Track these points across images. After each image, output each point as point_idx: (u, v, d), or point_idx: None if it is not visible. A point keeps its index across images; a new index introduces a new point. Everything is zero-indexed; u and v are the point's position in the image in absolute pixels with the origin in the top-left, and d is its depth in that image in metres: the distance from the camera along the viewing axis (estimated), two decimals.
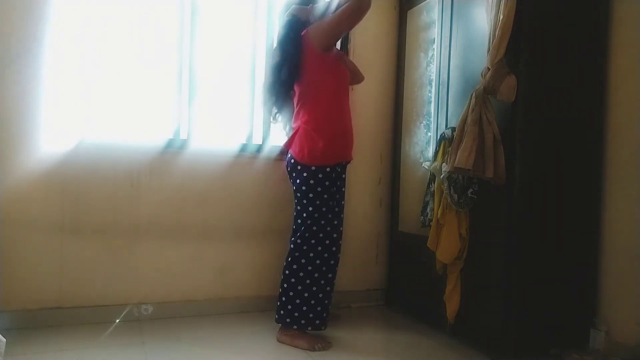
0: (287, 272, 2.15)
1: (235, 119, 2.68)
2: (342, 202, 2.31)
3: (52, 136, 2.24)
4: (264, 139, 2.69)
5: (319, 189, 2.11)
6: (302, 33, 2.13)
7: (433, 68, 2.46)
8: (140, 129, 2.47)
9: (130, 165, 2.38)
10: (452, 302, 2.19)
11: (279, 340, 2.15)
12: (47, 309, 2.23)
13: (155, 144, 2.44)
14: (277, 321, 2.15)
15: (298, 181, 2.14)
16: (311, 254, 2.12)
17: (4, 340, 1.62)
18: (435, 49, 2.44)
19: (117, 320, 2.33)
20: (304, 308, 2.11)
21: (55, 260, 2.25)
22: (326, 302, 2.17)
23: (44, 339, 2.08)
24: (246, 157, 2.62)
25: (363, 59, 2.86)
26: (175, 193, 2.47)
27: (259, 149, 2.66)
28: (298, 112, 2.19)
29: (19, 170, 2.18)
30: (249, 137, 2.68)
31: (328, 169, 2.12)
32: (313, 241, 2.13)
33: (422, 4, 2.61)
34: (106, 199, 2.33)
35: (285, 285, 2.14)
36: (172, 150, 2.47)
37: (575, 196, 2.09)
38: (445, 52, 2.36)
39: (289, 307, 2.12)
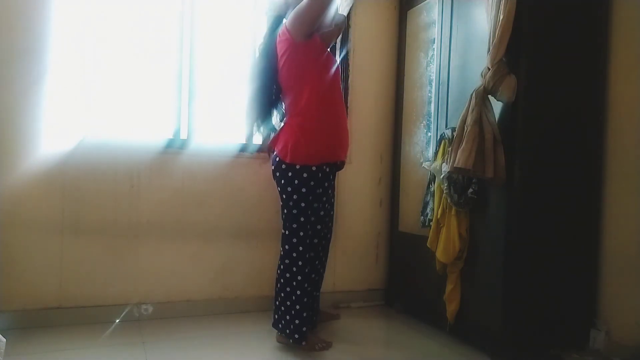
0: (282, 280, 2.08)
1: (235, 119, 2.68)
2: (331, 210, 2.25)
3: (52, 136, 2.24)
4: (264, 139, 2.68)
5: (304, 190, 2.01)
6: (280, 28, 2.05)
7: (433, 68, 2.46)
8: (140, 129, 2.48)
9: (130, 165, 2.38)
10: (452, 302, 2.19)
11: (278, 341, 2.14)
12: (47, 309, 2.23)
13: (155, 143, 2.45)
14: (273, 325, 2.13)
15: (282, 181, 2.04)
16: (300, 262, 2.05)
17: (4, 340, 1.62)
18: (435, 49, 2.44)
19: (117, 320, 2.33)
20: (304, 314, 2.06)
21: (55, 260, 2.25)
22: (304, 309, 2.05)
23: (44, 339, 2.08)
24: (246, 157, 2.62)
25: (363, 59, 2.87)
26: (175, 193, 2.47)
27: (259, 149, 2.66)
28: (285, 109, 2.13)
29: (19, 170, 2.18)
30: (249, 137, 2.67)
31: (314, 168, 2.01)
32: (301, 248, 2.05)
33: (422, 4, 2.61)
34: (106, 199, 2.33)
35: (282, 295, 2.07)
36: (172, 150, 2.47)
37: (575, 196, 2.09)
38: (445, 52, 2.36)
39: (288, 317, 2.06)
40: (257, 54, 2.17)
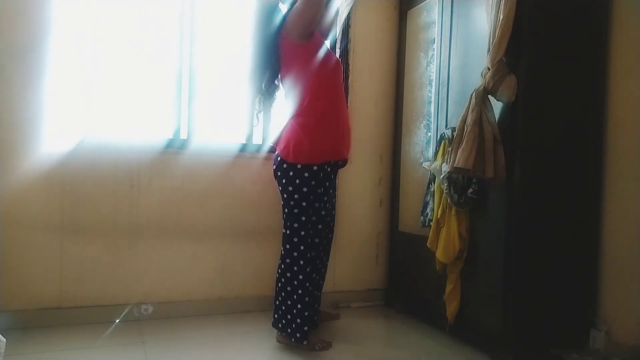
0: (282, 280, 2.09)
1: (235, 119, 2.68)
2: (332, 209, 2.24)
3: (52, 136, 2.24)
4: (264, 139, 2.69)
5: (305, 189, 2.01)
6: (282, 27, 2.03)
7: (433, 68, 2.46)
8: (140, 129, 2.48)
9: (130, 165, 2.38)
10: (452, 302, 2.19)
11: (278, 341, 2.14)
12: (47, 309, 2.23)
13: (155, 143, 2.45)
14: (273, 325, 2.13)
15: (284, 181, 2.04)
16: (301, 262, 2.05)
17: (4, 340, 1.62)
18: (435, 49, 2.44)
19: (117, 320, 2.33)
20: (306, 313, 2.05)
21: (55, 260, 2.25)
22: (305, 308, 2.05)
23: (44, 339, 2.08)
24: (246, 157, 2.62)
25: (363, 59, 2.87)
26: (175, 193, 2.47)
27: (259, 149, 2.66)
28: (287, 108, 2.11)
29: (19, 170, 2.18)
30: (249, 137, 2.68)
31: (315, 168, 2.01)
32: (302, 247, 2.05)
33: (422, 4, 2.61)
34: (106, 199, 2.33)
35: (283, 294, 2.08)
36: (172, 150, 2.47)
37: (575, 196, 2.09)
38: (445, 52, 2.36)
39: (289, 316, 2.06)
40: (254, 29, 2.09)
